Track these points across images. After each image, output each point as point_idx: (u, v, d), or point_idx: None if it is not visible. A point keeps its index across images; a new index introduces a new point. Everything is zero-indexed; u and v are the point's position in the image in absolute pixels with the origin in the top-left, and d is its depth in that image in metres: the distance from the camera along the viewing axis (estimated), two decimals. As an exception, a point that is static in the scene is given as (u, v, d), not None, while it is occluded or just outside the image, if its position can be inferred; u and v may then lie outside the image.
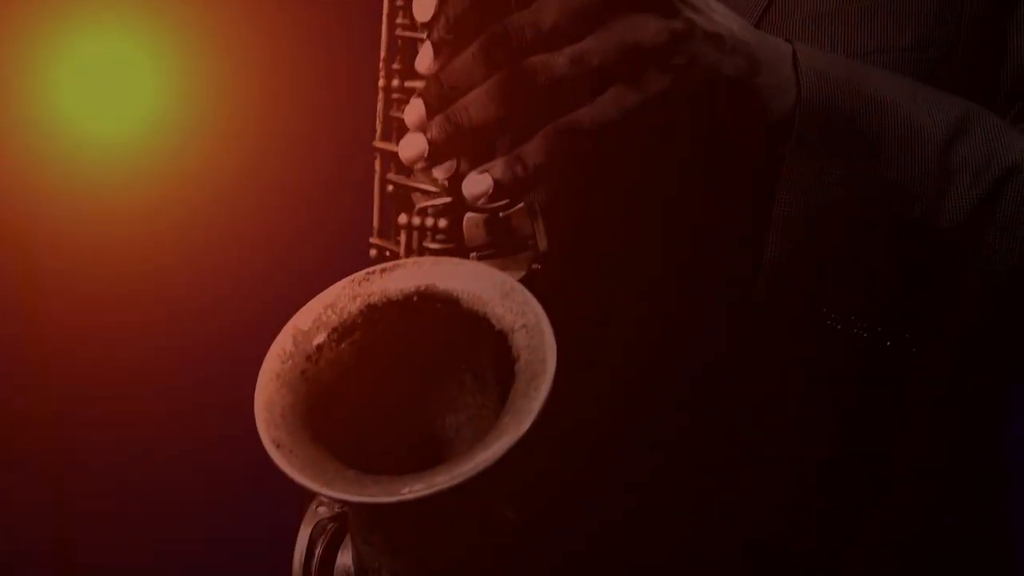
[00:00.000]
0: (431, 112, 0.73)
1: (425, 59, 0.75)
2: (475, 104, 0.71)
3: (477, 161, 0.73)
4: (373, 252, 0.82)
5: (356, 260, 0.83)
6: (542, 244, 0.76)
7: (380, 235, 0.82)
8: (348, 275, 0.80)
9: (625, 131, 0.72)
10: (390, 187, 0.81)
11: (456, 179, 0.75)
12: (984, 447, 0.97)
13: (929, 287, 0.81)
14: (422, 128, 0.74)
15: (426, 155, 0.73)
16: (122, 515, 2.38)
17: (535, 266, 0.77)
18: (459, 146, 0.73)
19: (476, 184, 0.72)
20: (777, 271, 0.80)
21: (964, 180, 0.80)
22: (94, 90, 2.44)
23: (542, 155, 0.71)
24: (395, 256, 0.81)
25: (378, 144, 0.81)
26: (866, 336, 0.81)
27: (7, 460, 2.37)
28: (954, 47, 0.91)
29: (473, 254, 0.77)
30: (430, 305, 0.76)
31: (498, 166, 0.71)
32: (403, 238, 0.80)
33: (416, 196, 0.79)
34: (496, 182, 0.71)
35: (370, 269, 0.77)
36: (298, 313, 0.77)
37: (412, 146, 0.74)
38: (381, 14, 0.82)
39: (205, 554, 2.26)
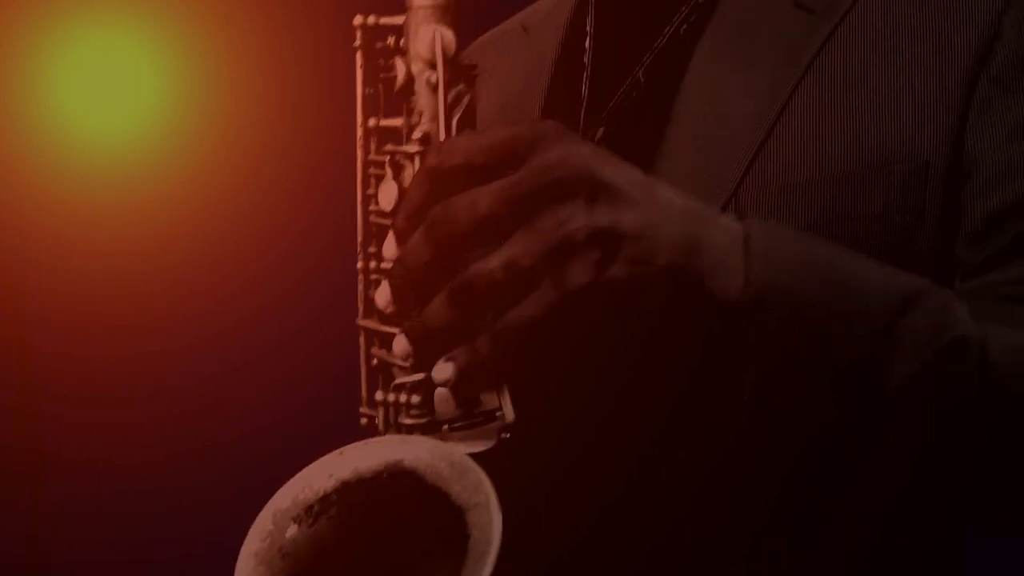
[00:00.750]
0: (396, 297, 0.82)
1: (390, 251, 0.84)
2: (433, 313, 0.79)
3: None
4: (364, 420, 0.89)
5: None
6: (509, 415, 0.83)
7: (368, 405, 0.89)
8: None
9: (557, 322, 0.77)
10: (374, 360, 0.89)
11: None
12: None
13: (869, 451, 0.83)
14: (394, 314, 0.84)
15: (412, 354, 0.83)
16: (122, 515, 2.38)
17: (504, 435, 0.83)
18: (432, 345, 0.81)
19: (440, 371, 0.80)
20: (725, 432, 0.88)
21: (910, 353, 0.82)
22: (94, 90, 2.44)
23: (488, 348, 0.78)
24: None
25: (361, 322, 0.89)
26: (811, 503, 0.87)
27: (7, 460, 2.37)
28: (921, 213, 0.94)
29: (445, 427, 0.84)
30: (398, 482, 0.82)
31: (459, 356, 0.79)
32: (381, 413, 0.87)
33: (395, 370, 0.87)
34: (457, 369, 0.79)
35: (341, 449, 0.83)
36: (277, 493, 0.83)
37: (400, 344, 0.83)
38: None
39: (204, 555, 2.26)
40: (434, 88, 0.86)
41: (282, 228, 2.40)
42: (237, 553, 0.82)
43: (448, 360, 0.79)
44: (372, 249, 0.89)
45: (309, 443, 0.85)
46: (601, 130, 1.04)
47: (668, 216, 0.79)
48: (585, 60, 1.10)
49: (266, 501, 0.84)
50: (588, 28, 1.11)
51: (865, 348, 0.81)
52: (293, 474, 0.83)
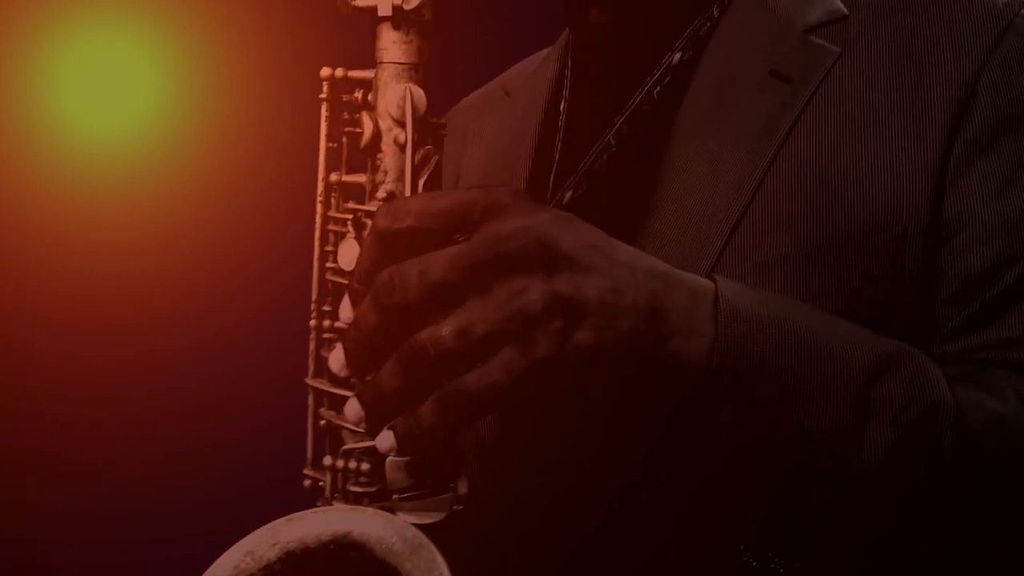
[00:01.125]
0: (349, 360, 0.80)
1: (345, 313, 0.81)
2: (383, 378, 0.77)
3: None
4: (307, 483, 0.86)
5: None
6: (463, 487, 0.81)
7: (313, 467, 0.87)
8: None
9: (519, 390, 0.75)
10: (322, 422, 0.86)
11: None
12: None
13: (846, 524, 0.82)
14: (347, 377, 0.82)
15: (364, 418, 0.80)
16: (122, 515, 2.38)
17: (456, 507, 0.81)
18: (383, 410, 0.78)
19: (383, 440, 0.78)
20: (693, 504, 0.87)
21: (883, 420, 0.80)
22: (94, 90, 2.44)
23: (432, 416, 0.75)
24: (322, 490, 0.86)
25: (311, 382, 0.87)
26: (783, 572, 0.84)
27: (6, 461, 2.37)
28: (901, 281, 0.93)
29: (395, 496, 0.81)
30: (346, 554, 0.79)
31: (399, 425, 0.77)
32: (328, 479, 0.85)
33: (345, 433, 0.85)
34: (397, 439, 0.77)
35: (289, 516, 0.80)
36: (217, 561, 0.80)
37: (352, 408, 0.80)
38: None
39: (204, 555, 2.26)
40: (402, 147, 0.84)
41: (283, 228, 2.40)
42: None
43: (389, 428, 0.77)
44: (327, 307, 0.87)
45: (253, 502, 0.81)
46: (570, 193, 1.03)
47: (631, 280, 0.77)
48: (559, 123, 1.09)
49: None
50: (564, 94, 1.10)
51: (836, 417, 0.79)
52: (246, 527, 0.80)
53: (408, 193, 0.83)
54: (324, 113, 0.89)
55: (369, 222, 0.83)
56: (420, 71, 0.86)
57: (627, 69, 1.04)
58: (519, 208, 0.76)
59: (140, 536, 2.36)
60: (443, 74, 0.91)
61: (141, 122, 2.45)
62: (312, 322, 0.88)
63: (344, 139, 0.88)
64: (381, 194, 0.84)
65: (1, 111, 2.40)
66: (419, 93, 0.84)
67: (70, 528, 2.38)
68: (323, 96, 0.89)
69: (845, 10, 1.00)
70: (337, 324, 0.85)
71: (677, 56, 1.03)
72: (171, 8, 2.42)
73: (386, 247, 0.77)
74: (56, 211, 2.41)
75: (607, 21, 1.06)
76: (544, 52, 1.20)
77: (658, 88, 1.03)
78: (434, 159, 0.85)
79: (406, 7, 0.84)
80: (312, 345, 0.88)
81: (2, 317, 2.39)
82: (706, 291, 0.80)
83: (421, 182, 0.84)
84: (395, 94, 0.85)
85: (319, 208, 0.89)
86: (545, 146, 1.08)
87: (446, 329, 0.74)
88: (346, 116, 0.88)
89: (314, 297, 0.88)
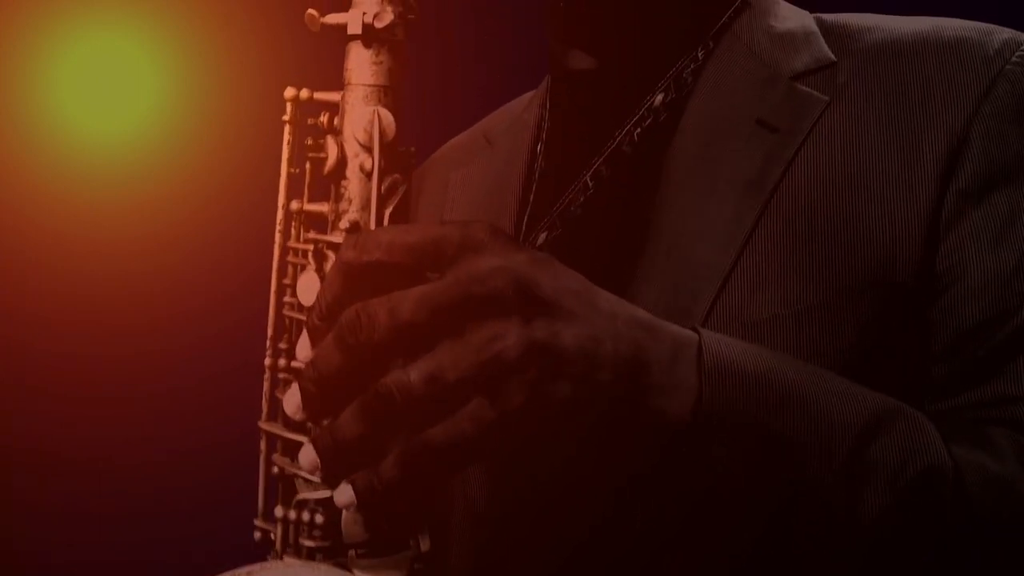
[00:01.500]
0: (306, 403, 0.74)
1: (303, 352, 0.76)
2: (343, 425, 0.72)
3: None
4: (257, 535, 0.81)
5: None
6: (424, 544, 0.76)
7: (264, 518, 0.81)
8: None
9: (489, 443, 0.71)
10: (275, 469, 0.81)
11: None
12: None
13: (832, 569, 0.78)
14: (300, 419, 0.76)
15: (319, 467, 0.74)
16: (122, 515, 2.38)
17: (417, 566, 0.76)
18: (341, 459, 0.73)
19: (341, 494, 0.72)
20: (678, 536, 0.83)
21: (878, 482, 0.77)
22: (94, 90, 2.44)
23: (395, 471, 0.71)
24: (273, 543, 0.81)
25: (264, 425, 0.81)
26: None
27: (6, 461, 2.37)
28: (895, 339, 0.90)
29: (351, 552, 0.76)
30: None
31: (358, 479, 0.72)
32: (279, 531, 0.79)
33: (299, 482, 0.79)
34: (356, 493, 0.72)
35: (234, 571, 0.75)
36: None
37: (307, 455, 0.74)
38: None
39: (204, 555, 2.26)
40: (368, 174, 0.79)
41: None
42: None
43: (348, 482, 0.72)
44: (283, 345, 0.82)
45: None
46: (544, 234, 0.99)
47: (611, 329, 0.73)
48: (535, 166, 1.04)
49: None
50: (542, 136, 1.06)
51: (827, 478, 0.76)
52: None
53: (373, 224, 0.79)
54: (287, 137, 0.84)
55: (331, 254, 0.79)
56: (390, 94, 0.81)
57: (607, 110, 1.01)
58: (496, 246, 0.72)
59: (140, 536, 2.36)
60: (415, 99, 0.87)
61: (141, 122, 2.45)
62: (267, 360, 0.82)
63: (307, 164, 0.83)
64: (344, 224, 0.79)
65: (1, 111, 2.39)
66: (388, 117, 0.80)
67: (70, 528, 2.38)
68: (286, 119, 0.84)
69: (833, 56, 0.98)
70: (294, 363, 0.80)
71: (659, 97, 1.00)
72: (171, 8, 2.42)
73: (351, 281, 0.73)
74: (56, 211, 2.40)
75: (588, 65, 1.03)
76: (527, 96, 1.16)
77: (639, 130, 0.99)
78: (401, 188, 0.80)
79: (377, 25, 0.80)
80: (266, 385, 0.82)
81: (2, 317, 2.39)
82: (690, 342, 0.76)
83: (387, 212, 0.79)
84: (362, 118, 0.80)
85: (278, 238, 0.83)
86: (525, 190, 1.04)
87: (414, 374, 0.69)
88: (310, 141, 0.83)
89: (270, 333, 0.82)
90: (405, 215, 0.81)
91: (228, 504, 2.32)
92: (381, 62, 0.81)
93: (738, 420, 0.75)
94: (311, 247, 0.80)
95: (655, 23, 1.01)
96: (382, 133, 0.79)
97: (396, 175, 0.80)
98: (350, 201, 0.80)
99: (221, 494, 2.32)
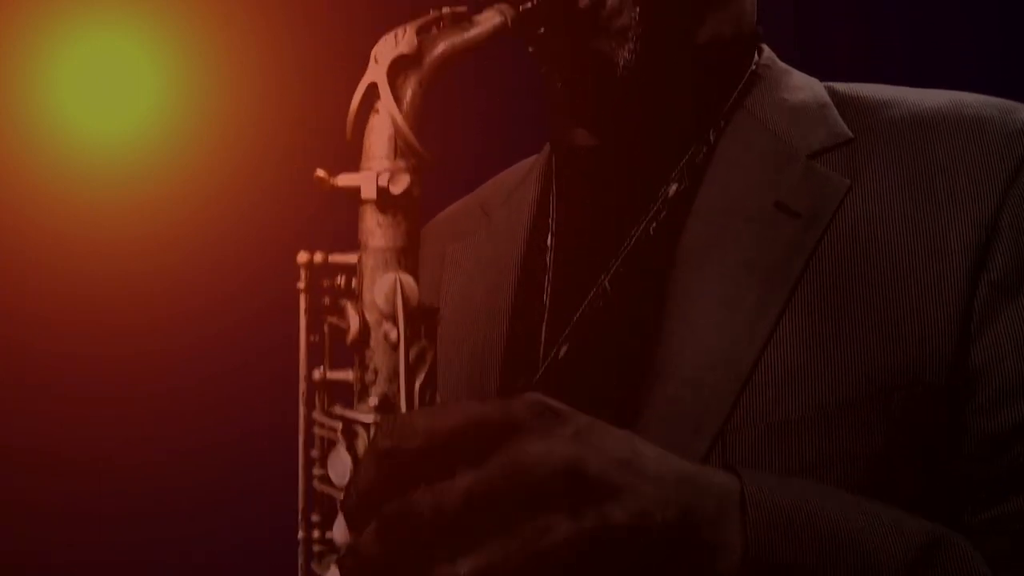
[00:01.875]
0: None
1: (340, 534, 0.75)
2: None
3: None
4: None
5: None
6: None
7: None
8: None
9: None
10: None
11: None
12: None
13: None
14: None
15: None
16: (122, 515, 2.38)
17: None
18: None
19: None
20: None
21: None
22: (94, 90, 2.44)
23: None
24: None
25: None
26: None
27: (6, 461, 2.37)
28: (926, 445, 0.86)
29: None
30: None
31: None
32: None
33: None
34: None
35: None
36: None
37: None
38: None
39: (204, 555, 2.26)
40: (394, 346, 0.76)
41: (283, 228, 2.39)
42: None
43: None
44: (315, 518, 0.79)
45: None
46: (565, 348, 0.96)
47: (659, 496, 0.72)
48: (547, 261, 1.01)
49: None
50: (551, 224, 1.02)
51: None
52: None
53: (403, 399, 0.76)
54: (303, 305, 0.81)
55: (361, 431, 0.76)
56: (410, 255, 0.78)
57: (619, 201, 0.98)
58: (539, 427, 0.70)
59: (140, 536, 2.36)
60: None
61: (141, 122, 2.45)
62: (300, 534, 0.80)
63: (326, 328, 0.80)
64: (373, 400, 0.77)
65: (1, 111, 2.39)
66: (410, 284, 0.77)
67: (70, 528, 2.38)
68: (301, 286, 0.81)
69: (849, 132, 0.94)
70: (328, 535, 0.78)
71: (673, 188, 0.96)
72: (171, 8, 2.42)
73: (387, 468, 0.71)
74: (56, 211, 2.40)
75: (593, 144, 1.00)
76: (524, 165, 1.13)
77: (654, 224, 0.96)
78: (429, 356, 0.77)
79: (394, 191, 0.77)
80: (300, 559, 0.80)
81: (2, 317, 2.39)
82: (732, 495, 0.75)
83: (417, 383, 0.76)
84: (383, 286, 0.77)
85: (302, 410, 0.80)
86: (533, 289, 1.01)
87: (464, 570, 0.68)
88: (327, 302, 0.80)
89: (300, 506, 0.80)
90: (434, 383, 0.78)
91: (228, 504, 2.33)
92: (398, 224, 0.78)
93: (785, 570, 0.74)
94: (339, 423, 0.78)
95: (660, 101, 0.98)
96: (405, 301, 0.77)
97: (423, 342, 0.77)
98: (376, 372, 0.77)
99: (221, 494, 2.32)
